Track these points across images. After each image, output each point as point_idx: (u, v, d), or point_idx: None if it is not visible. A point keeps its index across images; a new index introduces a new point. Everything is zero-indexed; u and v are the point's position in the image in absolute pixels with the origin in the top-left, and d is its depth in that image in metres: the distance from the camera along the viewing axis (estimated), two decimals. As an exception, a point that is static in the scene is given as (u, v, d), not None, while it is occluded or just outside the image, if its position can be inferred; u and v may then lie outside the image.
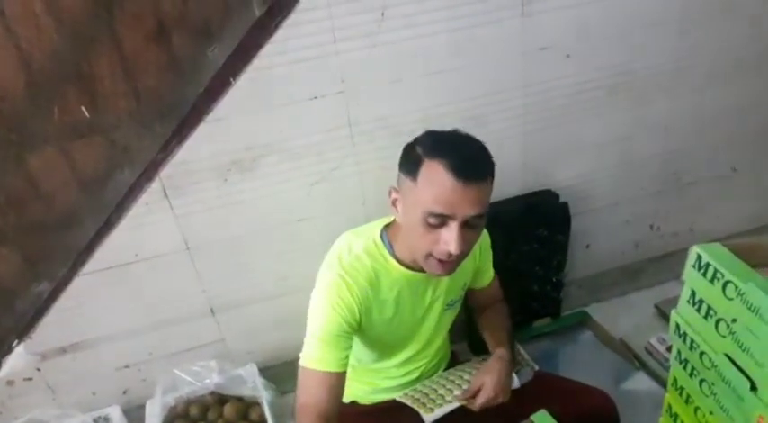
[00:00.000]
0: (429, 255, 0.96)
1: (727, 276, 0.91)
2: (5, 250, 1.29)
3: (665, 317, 1.73)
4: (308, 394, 0.98)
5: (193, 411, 1.49)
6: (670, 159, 1.77)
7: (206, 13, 1.17)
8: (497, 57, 1.41)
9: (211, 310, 1.53)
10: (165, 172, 1.30)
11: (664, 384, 1.24)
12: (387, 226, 1.10)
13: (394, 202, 1.01)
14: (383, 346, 1.15)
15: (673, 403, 1.15)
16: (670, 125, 1.70)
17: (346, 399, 1.24)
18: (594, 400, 1.16)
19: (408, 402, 1.11)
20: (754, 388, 0.89)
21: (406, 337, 1.16)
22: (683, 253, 1.02)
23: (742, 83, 1.69)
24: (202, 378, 1.52)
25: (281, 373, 1.60)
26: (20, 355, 1.40)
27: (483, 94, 1.45)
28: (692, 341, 1.02)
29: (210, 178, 1.35)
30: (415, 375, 1.22)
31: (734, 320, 0.91)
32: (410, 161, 0.95)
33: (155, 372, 1.54)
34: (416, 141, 0.97)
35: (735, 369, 0.91)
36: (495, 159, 1.58)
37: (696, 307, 1.00)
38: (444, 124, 1.04)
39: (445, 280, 1.12)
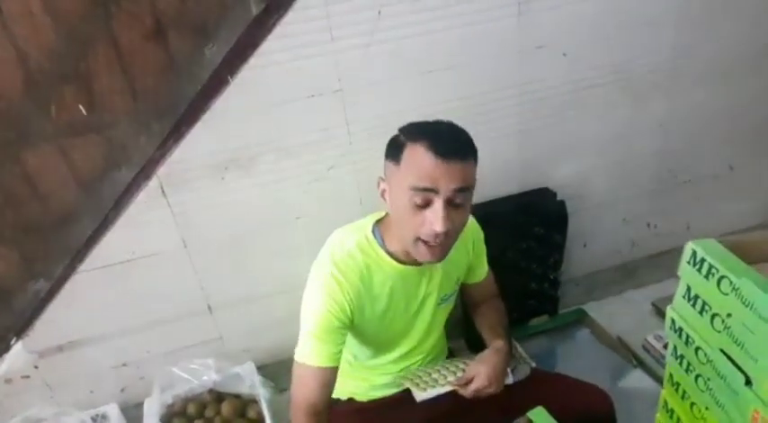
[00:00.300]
0: (417, 239, 0.97)
1: (722, 272, 0.91)
2: (3, 248, 1.29)
3: (661, 315, 1.73)
4: (302, 388, 1.01)
5: (191, 409, 1.49)
6: (666, 158, 1.78)
7: (203, 11, 1.17)
8: (494, 55, 1.42)
9: (209, 308, 1.53)
10: (163, 170, 1.31)
11: (661, 382, 1.24)
12: (378, 221, 1.11)
13: (383, 194, 1.03)
14: (379, 342, 1.16)
15: (669, 399, 1.16)
16: (666, 123, 1.70)
17: (343, 395, 1.24)
18: (591, 396, 1.16)
19: (403, 382, 1.13)
20: (749, 382, 0.89)
21: (400, 332, 1.16)
22: (680, 251, 1.02)
23: (738, 81, 1.70)
24: (200, 376, 1.52)
25: (279, 370, 1.60)
26: (17, 354, 1.40)
27: (480, 92, 1.46)
28: (688, 337, 1.02)
29: (208, 176, 1.35)
30: None
31: (729, 315, 0.91)
32: (394, 147, 0.98)
33: (152, 370, 1.54)
34: (400, 131, 1.00)
35: (730, 364, 0.92)
36: (492, 157, 1.59)
37: (691, 302, 1.00)
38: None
39: (438, 274, 1.13)
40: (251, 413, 1.49)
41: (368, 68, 1.32)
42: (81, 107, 1.18)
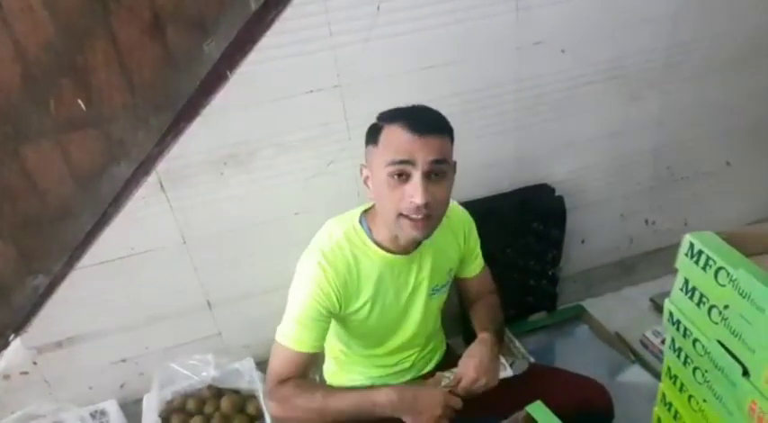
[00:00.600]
0: (399, 215, 0.98)
1: (720, 263, 0.92)
2: (1, 244, 1.29)
3: (659, 311, 1.72)
4: (277, 366, 1.05)
5: (190, 405, 1.48)
6: (664, 154, 1.78)
7: (202, 6, 1.17)
8: (492, 51, 1.42)
9: (208, 304, 1.53)
10: (162, 166, 1.31)
11: (658, 377, 1.24)
12: (366, 211, 1.13)
13: (365, 181, 1.05)
14: (372, 333, 1.16)
15: (667, 392, 1.16)
16: (664, 120, 1.71)
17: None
18: (589, 390, 1.17)
19: None
20: (746, 373, 0.89)
21: (394, 323, 1.16)
22: (677, 248, 1.02)
23: (735, 78, 1.70)
24: (199, 372, 1.52)
25: (278, 367, 1.60)
26: (16, 350, 1.40)
27: (478, 88, 1.46)
28: (686, 329, 1.03)
29: (207, 172, 1.35)
30: (407, 364, 1.23)
31: (726, 307, 0.92)
32: (372, 132, 1.02)
33: (151, 366, 1.54)
34: (377, 117, 1.03)
35: (727, 355, 0.92)
36: (490, 153, 1.60)
37: (689, 295, 1.01)
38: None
39: (428, 263, 1.14)
40: (250, 408, 1.48)
41: (367, 64, 1.33)
42: (80, 102, 1.18)
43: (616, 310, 1.86)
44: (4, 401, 1.47)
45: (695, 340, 1.01)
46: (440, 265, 1.16)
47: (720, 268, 0.92)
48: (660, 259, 1.92)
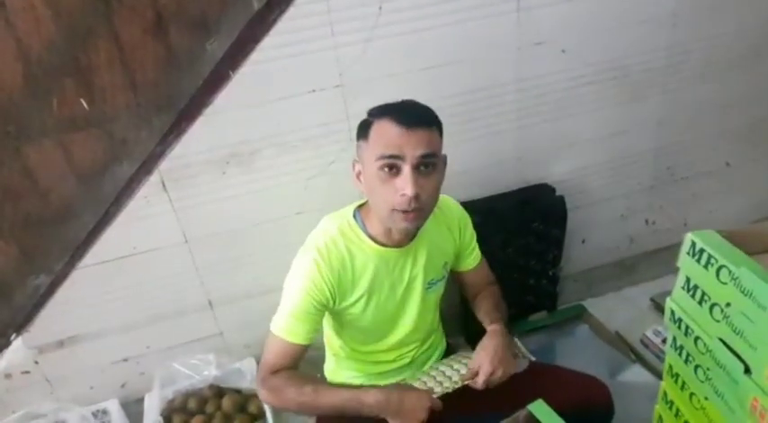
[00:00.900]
0: (392, 209, 1.00)
1: (721, 261, 0.92)
2: (3, 243, 1.29)
3: (660, 310, 1.75)
4: (271, 355, 1.08)
5: (191, 404, 1.49)
6: (664, 154, 1.79)
7: (204, 5, 1.17)
8: (493, 51, 1.43)
9: (209, 304, 1.53)
10: (164, 165, 1.31)
11: (659, 376, 1.25)
12: (360, 206, 1.15)
13: (358, 176, 1.07)
14: (370, 328, 1.17)
15: (668, 390, 1.17)
16: (664, 120, 1.72)
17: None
18: (589, 387, 1.18)
19: None
20: (748, 371, 0.90)
21: (391, 317, 1.17)
22: (678, 247, 1.03)
23: (734, 78, 1.71)
24: (201, 371, 1.53)
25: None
26: (17, 349, 1.40)
27: (479, 87, 1.46)
28: (687, 327, 1.03)
29: (209, 171, 1.35)
30: (407, 360, 1.24)
31: (728, 305, 0.92)
32: (362, 127, 1.04)
33: (153, 365, 1.54)
34: (368, 113, 1.04)
35: (729, 353, 0.92)
36: (491, 153, 1.60)
37: (691, 293, 1.01)
38: (440, 117, 1.05)
39: (422, 257, 1.15)
40: (252, 408, 1.49)
41: (369, 64, 1.33)
42: (82, 101, 1.19)
43: (616, 309, 1.87)
44: (5, 401, 1.47)
45: (697, 338, 1.01)
46: (435, 259, 1.18)
47: (722, 266, 0.92)
48: (660, 259, 1.93)
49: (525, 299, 1.78)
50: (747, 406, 0.91)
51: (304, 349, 1.09)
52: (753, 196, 2.00)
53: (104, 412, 1.50)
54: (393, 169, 0.97)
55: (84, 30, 1.13)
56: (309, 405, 1.05)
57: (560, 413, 1.01)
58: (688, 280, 1.02)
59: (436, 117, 1.03)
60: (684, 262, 1.01)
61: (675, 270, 1.05)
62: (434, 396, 1.07)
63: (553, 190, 1.66)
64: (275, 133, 1.36)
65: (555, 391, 1.08)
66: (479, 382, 1.07)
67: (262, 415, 1.46)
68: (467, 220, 1.25)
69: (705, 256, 0.96)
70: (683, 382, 1.10)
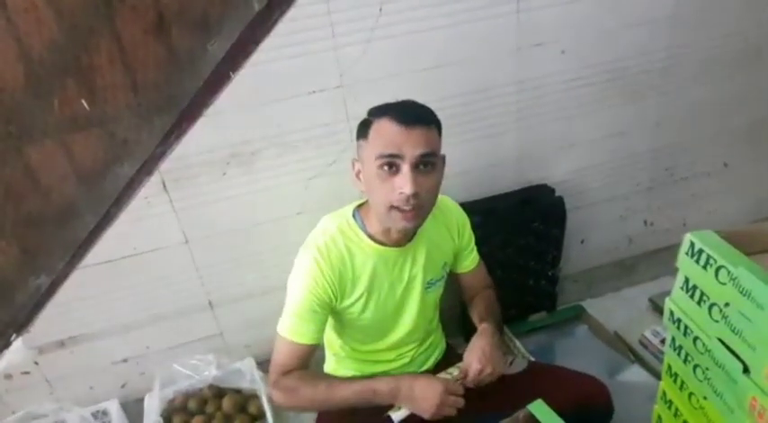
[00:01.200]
0: (391, 207, 1.00)
1: (720, 262, 0.93)
2: (4, 243, 1.29)
3: (659, 310, 1.75)
4: (280, 356, 1.10)
5: (192, 405, 1.49)
6: (663, 155, 1.80)
7: (205, 6, 1.18)
8: (493, 52, 1.43)
9: (210, 304, 1.54)
10: (165, 165, 1.31)
11: (658, 376, 1.25)
12: (359, 206, 1.15)
13: (357, 174, 1.08)
14: (370, 327, 1.18)
15: (667, 390, 1.17)
16: (662, 121, 1.72)
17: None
18: (588, 387, 1.18)
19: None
20: (746, 371, 0.90)
21: (390, 317, 1.18)
22: (676, 248, 1.04)
23: (732, 79, 1.72)
24: (201, 371, 1.53)
25: (279, 367, 1.60)
26: (18, 349, 1.40)
27: (479, 88, 1.47)
28: (686, 327, 1.04)
29: (209, 172, 1.36)
30: (407, 360, 1.24)
31: (726, 305, 0.93)
32: (362, 126, 1.04)
33: (153, 365, 1.54)
34: (368, 112, 1.05)
35: (728, 353, 0.93)
36: (491, 154, 1.61)
37: (690, 293, 1.02)
38: (441, 118, 1.05)
39: (421, 256, 1.15)
40: (251, 408, 1.49)
41: (369, 65, 1.33)
42: (83, 101, 1.19)
43: (615, 310, 1.87)
44: (5, 401, 1.48)
45: (696, 338, 1.02)
46: (434, 259, 1.18)
47: (721, 267, 0.93)
48: (659, 260, 1.94)
49: (525, 299, 1.79)
50: (746, 405, 0.91)
51: (311, 349, 1.09)
52: (751, 197, 2.01)
53: (104, 413, 1.50)
54: (392, 168, 0.98)
55: (86, 30, 1.14)
56: (324, 401, 1.06)
57: (560, 413, 1.01)
58: (687, 280, 1.02)
59: (435, 116, 1.04)
60: (683, 262, 1.02)
61: (674, 270, 1.06)
62: (400, 417, 1.05)
63: (552, 190, 1.67)
64: (276, 134, 1.36)
65: (554, 392, 1.08)
66: (468, 381, 1.08)
67: (262, 415, 1.46)
68: (465, 221, 1.25)
69: (704, 257, 0.96)
70: (682, 382, 1.11)
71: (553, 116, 1.59)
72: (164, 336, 1.54)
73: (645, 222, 1.93)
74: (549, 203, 1.66)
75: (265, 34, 1.23)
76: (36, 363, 1.46)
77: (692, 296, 1.01)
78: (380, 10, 1.28)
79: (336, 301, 1.10)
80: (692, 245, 0.99)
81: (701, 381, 1.04)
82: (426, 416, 1.02)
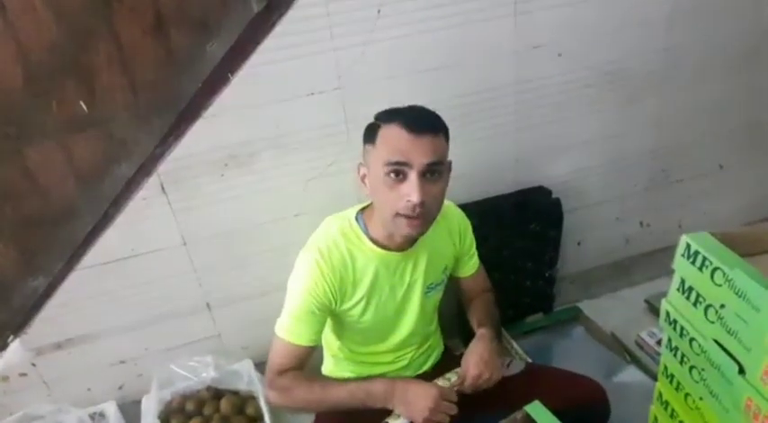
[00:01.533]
0: (396, 214, 1.00)
1: (716, 263, 0.93)
2: (1, 244, 1.29)
3: (655, 312, 1.76)
4: (277, 356, 1.10)
5: (189, 406, 1.49)
6: (659, 156, 1.81)
7: (204, 8, 1.18)
8: (491, 54, 1.44)
9: (207, 306, 1.54)
10: (163, 167, 1.31)
11: (654, 377, 1.26)
12: (363, 209, 1.15)
13: (363, 178, 1.07)
14: (369, 330, 1.18)
15: (663, 391, 1.18)
16: (659, 123, 1.73)
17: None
18: (585, 388, 1.19)
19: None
20: (742, 371, 0.91)
21: (390, 320, 1.18)
22: (673, 249, 1.04)
23: (728, 81, 1.73)
24: (198, 373, 1.53)
25: (277, 368, 1.60)
26: (15, 351, 1.40)
27: (476, 90, 1.48)
28: (682, 328, 1.04)
29: (208, 173, 1.36)
30: (405, 362, 1.25)
31: (722, 306, 0.93)
32: (370, 131, 1.04)
33: (150, 367, 1.54)
34: (375, 117, 1.05)
35: (723, 354, 0.94)
36: (488, 156, 1.61)
37: (686, 295, 1.02)
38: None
39: (423, 261, 1.15)
40: (249, 410, 1.49)
41: (367, 67, 1.34)
42: (82, 103, 1.19)
43: (612, 311, 1.88)
44: (2, 403, 1.47)
45: (692, 339, 1.02)
46: (435, 264, 1.18)
47: (716, 268, 0.93)
48: (655, 261, 1.94)
49: (522, 300, 1.80)
50: (741, 406, 0.92)
51: (308, 351, 1.10)
52: (745, 198, 2.02)
53: (102, 414, 1.50)
54: (399, 175, 0.98)
55: (85, 30, 1.14)
56: (318, 401, 1.07)
57: (557, 414, 1.02)
58: (683, 281, 1.03)
59: (443, 123, 1.03)
60: (679, 264, 1.03)
61: (670, 272, 1.06)
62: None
63: (549, 192, 1.67)
64: (274, 135, 1.36)
65: (551, 393, 1.09)
66: (466, 386, 1.08)
67: (260, 417, 1.46)
68: (467, 226, 1.26)
69: (700, 258, 0.97)
70: (679, 383, 1.12)
71: (550, 118, 1.59)
72: (161, 337, 1.54)
73: (641, 223, 1.94)
74: (546, 205, 1.66)
75: (264, 36, 1.23)
76: (33, 364, 1.45)
77: (687, 297, 1.02)
78: (379, 12, 1.28)
79: (336, 303, 1.10)
80: (688, 246, 1.00)
81: (696, 382, 1.05)
82: (418, 420, 1.01)
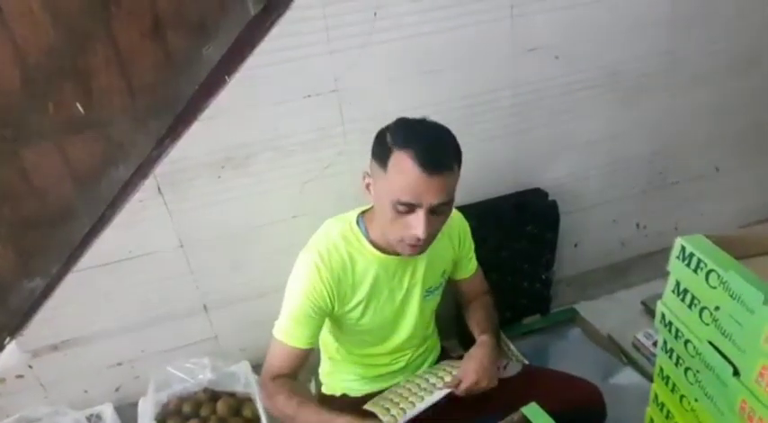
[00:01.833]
0: (401, 240, 1.01)
1: (710, 266, 0.94)
2: (-1, 246, 1.29)
3: (651, 313, 1.76)
4: (274, 359, 1.10)
5: (186, 408, 1.48)
6: (656, 159, 1.81)
7: (202, 10, 1.18)
8: (487, 57, 1.44)
9: (204, 308, 1.54)
10: (160, 169, 1.31)
11: (650, 378, 1.26)
12: (364, 212, 1.15)
13: (367, 186, 1.07)
14: (367, 333, 1.18)
15: (659, 392, 1.18)
16: (655, 125, 1.74)
17: (337, 391, 1.26)
18: (582, 390, 1.19)
19: (373, 409, 1.10)
20: (736, 373, 0.91)
21: (389, 323, 1.18)
22: (669, 251, 1.05)
23: (725, 84, 1.74)
24: (195, 375, 1.52)
25: (274, 370, 1.60)
26: (11, 353, 1.39)
27: (473, 93, 1.48)
28: (678, 330, 1.05)
29: (204, 175, 1.36)
30: (402, 364, 1.25)
31: (717, 308, 0.94)
32: (381, 149, 0.99)
33: (147, 369, 1.53)
34: (387, 129, 1.01)
35: (718, 356, 0.94)
36: (485, 158, 1.62)
37: (681, 297, 1.03)
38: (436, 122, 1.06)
39: (422, 265, 1.16)
40: (246, 412, 1.49)
41: (364, 69, 1.34)
42: (78, 105, 1.19)
43: (608, 312, 1.88)
44: (-1, 405, 1.47)
45: (687, 341, 1.03)
46: (434, 268, 1.19)
47: (711, 271, 0.94)
48: (651, 263, 1.95)
49: (518, 302, 1.80)
50: (736, 408, 0.93)
51: (305, 353, 1.10)
52: (741, 201, 2.03)
53: (99, 416, 1.49)
54: (408, 209, 0.97)
55: (82, 33, 1.14)
56: (291, 416, 1.05)
57: (553, 416, 1.02)
58: (678, 284, 1.03)
59: (458, 150, 1.01)
60: (674, 266, 1.03)
61: (666, 274, 1.07)
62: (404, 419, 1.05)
63: (546, 194, 1.68)
64: (271, 137, 1.36)
65: (548, 394, 1.09)
66: (460, 390, 1.08)
67: (256, 419, 1.46)
68: (467, 230, 1.26)
69: (695, 261, 0.98)
70: (674, 385, 1.12)
71: (547, 120, 1.60)
72: (158, 339, 1.53)
73: (638, 226, 1.95)
74: (543, 207, 1.67)
75: (261, 38, 1.23)
76: (30, 366, 1.45)
77: (683, 299, 1.03)
78: (375, 15, 1.29)
79: (334, 307, 1.10)
80: (683, 249, 1.00)
81: (692, 383, 1.05)
82: None
